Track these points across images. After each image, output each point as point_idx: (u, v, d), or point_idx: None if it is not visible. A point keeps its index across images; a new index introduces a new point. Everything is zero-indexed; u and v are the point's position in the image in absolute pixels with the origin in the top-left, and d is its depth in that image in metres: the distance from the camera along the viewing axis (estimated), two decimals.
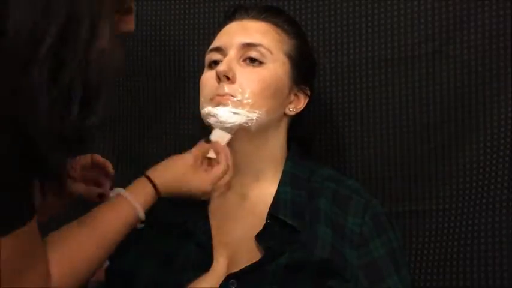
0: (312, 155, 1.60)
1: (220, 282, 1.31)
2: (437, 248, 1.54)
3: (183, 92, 1.82)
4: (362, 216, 1.37)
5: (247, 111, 1.36)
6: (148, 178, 1.29)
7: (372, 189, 1.55)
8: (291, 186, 1.41)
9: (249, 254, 1.34)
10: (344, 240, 1.34)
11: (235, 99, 1.36)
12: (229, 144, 1.40)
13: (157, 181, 1.29)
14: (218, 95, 1.37)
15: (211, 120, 1.37)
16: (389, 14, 1.61)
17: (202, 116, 1.41)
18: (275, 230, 1.35)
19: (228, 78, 1.37)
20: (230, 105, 1.36)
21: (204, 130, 1.46)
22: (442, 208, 1.55)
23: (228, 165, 1.37)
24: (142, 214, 1.25)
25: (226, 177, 1.38)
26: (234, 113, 1.35)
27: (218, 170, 1.36)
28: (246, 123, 1.36)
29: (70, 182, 1.38)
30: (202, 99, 1.42)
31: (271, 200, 1.39)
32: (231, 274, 1.31)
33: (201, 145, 1.40)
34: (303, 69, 1.46)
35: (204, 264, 1.36)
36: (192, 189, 1.34)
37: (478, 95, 1.52)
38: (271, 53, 1.40)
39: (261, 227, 1.35)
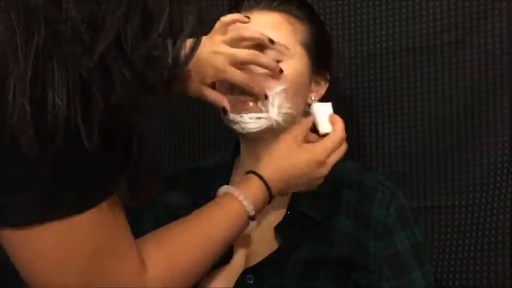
0: None
1: (238, 275, 1.29)
2: (459, 244, 1.51)
3: None
4: (387, 207, 1.34)
5: (271, 113, 1.33)
6: (254, 172, 1.21)
7: None
8: None
9: (268, 246, 1.32)
10: (368, 231, 1.32)
11: (257, 103, 1.33)
12: (254, 140, 1.38)
13: (263, 172, 1.21)
14: (239, 101, 1.34)
15: (236, 127, 1.34)
16: (410, 2, 1.58)
17: (224, 121, 1.37)
18: (295, 222, 1.33)
19: None
20: (253, 111, 1.33)
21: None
22: (465, 204, 1.52)
23: (344, 134, 1.29)
24: (252, 212, 1.16)
25: (343, 148, 1.29)
26: (258, 118, 1.32)
27: (331, 137, 1.28)
28: (272, 124, 1.33)
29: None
30: None
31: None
32: (248, 268, 1.29)
33: (304, 121, 1.33)
34: (321, 55, 1.42)
35: (223, 255, 1.30)
36: (303, 167, 1.23)
37: (503, 86, 1.49)
38: (287, 48, 1.36)
39: (281, 219, 1.34)
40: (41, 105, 0.80)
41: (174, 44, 0.89)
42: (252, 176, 1.21)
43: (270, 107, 1.32)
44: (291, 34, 1.37)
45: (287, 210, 1.34)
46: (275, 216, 1.34)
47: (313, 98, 1.41)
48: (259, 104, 1.32)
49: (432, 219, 1.55)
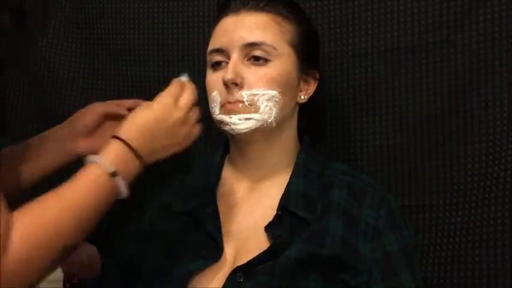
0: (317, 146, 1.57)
1: (227, 274, 1.30)
2: (443, 243, 1.51)
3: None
4: (377, 209, 1.36)
5: (260, 113, 1.34)
6: (119, 138, 1.22)
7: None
8: (303, 179, 1.40)
9: (258, 246, 1.32)
10: (358, 232, 1.33)
11: (246, 103, 1.34)
12: (244, 141, 1.39)
13: (118, 132, 1.23)
14: (228, 102, 1.35)
15: (226, 128, 1.36)
16: (395, 1, 1.57)
17: (214, 122, 1.39)
18: (285, 222, 1.34)
19: (236, 85, 1.34)
20: (242, 112, 1.34)
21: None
22: (449, 203, 1.52)
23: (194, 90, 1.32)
24: (111, 168, 1.17)
25: (189, 91, 1.31)
26: (247, 119, 1.33)
27: (186, 94, 1.30)
28: (262, 124, 1.34)
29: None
30: (212, 104, 1.39)
31: (283, 192, 1.38)
32: (239, 267, 1.29)
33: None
34: (309, 54, 1.44)
35: (213, 254, 1.34)
36: (156, 114, 1.26)
37: (488, 85, 1.49)
38: (275, 48, 1.36)
39: (271, 218, 1.34)
40: None
41: None
42: (110, 139, 1.22)
43: (260, 108, 1.33)
44: (278, 34, 1.38)
45: (278, 210, 1.35)
46: (266, 216, 1.35)
47: (302, 97, 1.42)
48: (249, 105, 1.33)
49: (417, 218, 1.55)
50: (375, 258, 1.31)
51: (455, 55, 1.52)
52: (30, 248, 1.07)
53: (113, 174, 1.17)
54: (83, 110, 1.48)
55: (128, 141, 1.21)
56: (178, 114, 1.27)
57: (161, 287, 1.35)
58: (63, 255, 1.14)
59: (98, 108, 1.47)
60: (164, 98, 1.28)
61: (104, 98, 1.85)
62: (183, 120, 1.27)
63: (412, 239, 1.40)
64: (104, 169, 1.17)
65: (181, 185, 1.45)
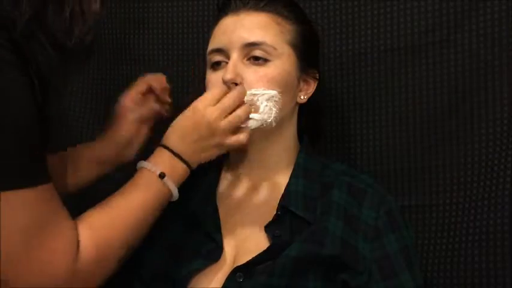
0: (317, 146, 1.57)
1: (227, 274, 1.29)
2: (443, 243, 1.51)
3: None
4: (377, 210, 1.36)
5: (260, 113, 1.33)
6: (164, 146, 1.28)
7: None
8: (303, 179, 1.40)
9: (258, 246, 1.32)
10: (358, 232, 1.33)
11: (246, 103, 1.33)
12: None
13: (163, 141, 1.28)
14: None
15: None
16: (395, 1, 1.58)
17: None
18: (285, 222, 1.34)
19: (236, 84, 1.34)
20: None
21: None
22: (449, 202, 1.52)
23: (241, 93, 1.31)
24: (158, 170, 1.24)
25: (242, 111, 1.30)
26: (247, 119, 1.33)
27: (227, 98, 1.30)
28: (262, 124, 1.34)
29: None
30: None
31: (283, 192, 1.38)
32: (238, 267, 1.29)
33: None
34: (309, 54, 1.44)
35: (213, 253, 1.34)
36: (189, 116, 1.28)
37: (487, 85, 1.49)
38: (275, 48, 1.36)
39: (271, 218, 1.34)
40: None
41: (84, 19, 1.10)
42: (157, 148, 1.29)
43: (260, 108, 1.33)
44: (278, 34, 1.37)
45: (277, 210, 1.35)
46: (266, 215, 1.35)
47: (302, 97, 1.42)
48: (249, 104, 1.33)
49: (416, 218, 1.55)
50: (374, 259, 1.31)
51: (455, 55, 1.52)
52: (99, 251, 1.13)
53: (161, 176, 1.24)
54: (118, 123, 1.51)
55: (171, 147, 1.27)
56: (212, 114, 1.27)
57: (161, 287, 1.36)
58: (127, 254, 1.21)
59: (130, 118, 1.50)
60: (200, 100, 1.29)
61: (105, 98, 1.86)
62: (214, 122, 1.27)
63: (412, 239, 1.40)
64: (155, 173, 1.24)
65: (181, 185, 1.45)
